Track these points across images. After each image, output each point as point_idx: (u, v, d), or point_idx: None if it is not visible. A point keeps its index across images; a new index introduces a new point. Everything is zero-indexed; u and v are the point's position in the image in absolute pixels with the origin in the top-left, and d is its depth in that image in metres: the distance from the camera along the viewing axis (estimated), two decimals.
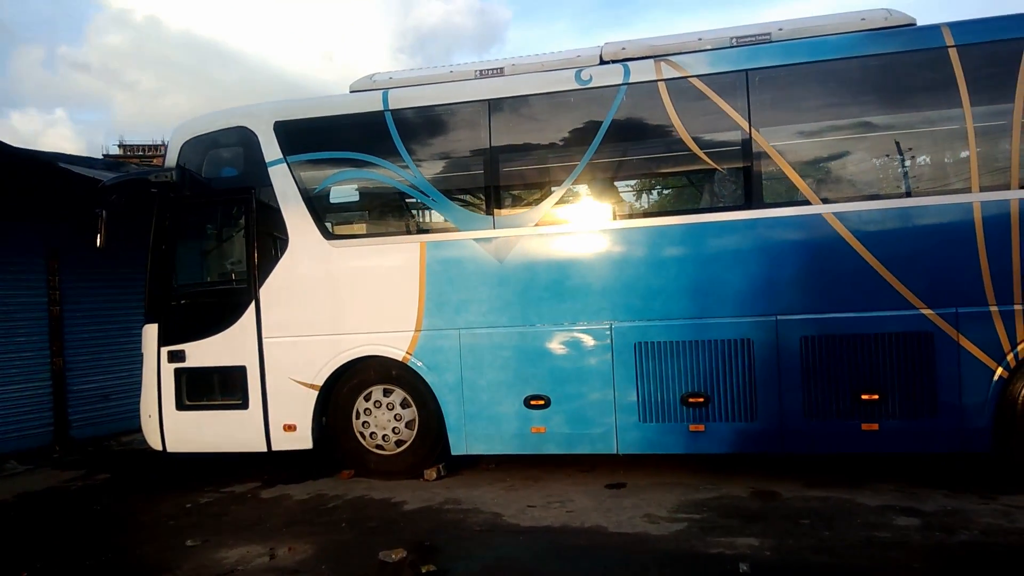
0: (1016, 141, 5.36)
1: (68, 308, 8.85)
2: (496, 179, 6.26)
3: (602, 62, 6.28)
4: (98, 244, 6.64)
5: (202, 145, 6.80)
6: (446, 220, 6.35)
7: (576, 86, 6.13)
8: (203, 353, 6.70)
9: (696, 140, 5.90)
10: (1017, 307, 5.38)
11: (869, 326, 5.59)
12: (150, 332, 6.84)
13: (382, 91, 6.52)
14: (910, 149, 5.73)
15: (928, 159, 5.74)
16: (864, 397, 5.62)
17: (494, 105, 6.25)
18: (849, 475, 5.95)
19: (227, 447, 6.80)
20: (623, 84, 6.03)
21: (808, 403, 5.72)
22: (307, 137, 6.65)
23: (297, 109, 6.76)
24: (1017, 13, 5.47)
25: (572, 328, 6.08)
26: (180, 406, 6.76)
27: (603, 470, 6.50)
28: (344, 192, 6.71)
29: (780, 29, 6.08)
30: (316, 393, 6.55)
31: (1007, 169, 5.39)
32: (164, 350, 6.76)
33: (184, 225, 6.92)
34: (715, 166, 5.97)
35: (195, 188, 6.77)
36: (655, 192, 6.19)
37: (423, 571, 4.37)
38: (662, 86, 5.95)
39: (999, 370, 5.41)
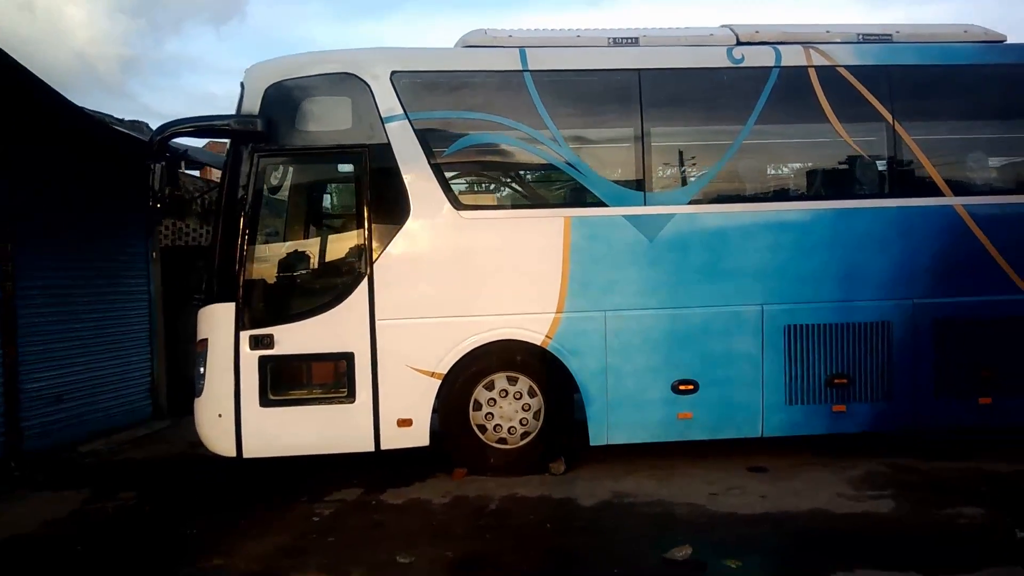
0: None
1: (22, 285, 6.98)
2: (647, 153, 5.96)
3: (739, 43, 6.24)
4: (155, 204, 5.37)
5: (293, 91, 5.72)
6: (593, 194, 5.92)
7: (729, 64, 6.04)
8: (299, 338, 5.65)
9: (844, 127, 6.07)
10: None
11: (989, 310, 6.11)
12: (222, 314, 5.62)
13: (519, 49, 5.94)
14: None
15: None
16: (984, 374, 6.13)
17: (645, 76, 5.95)
18: (938, 449, 6.30)
19: (323, 448, 5.79)
20: (776, 67, 6.04)
21: (938, 382, 6.12)
22: (431, 93, 5.89)
23: (416, 59, 5.94)
24: None
25: (723, 310, 5.96)
26: (265, 402, 5.64)
27: (719, 456, 6.38)
28: (477, 157, 5.97)
29: (898, 32, 6.45)
30: (438, 383, 5.79)
31: None
32: (245, 335, 5.59)
33: (271, 184, 5.80)
34: (862, 153, 6.20)
35: (286, 140, 5.69)
36: (805, 175, 6.26)
37: (730, 565, 4.06)
38: (812, 72, 6.05)
39: None
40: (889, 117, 6.05)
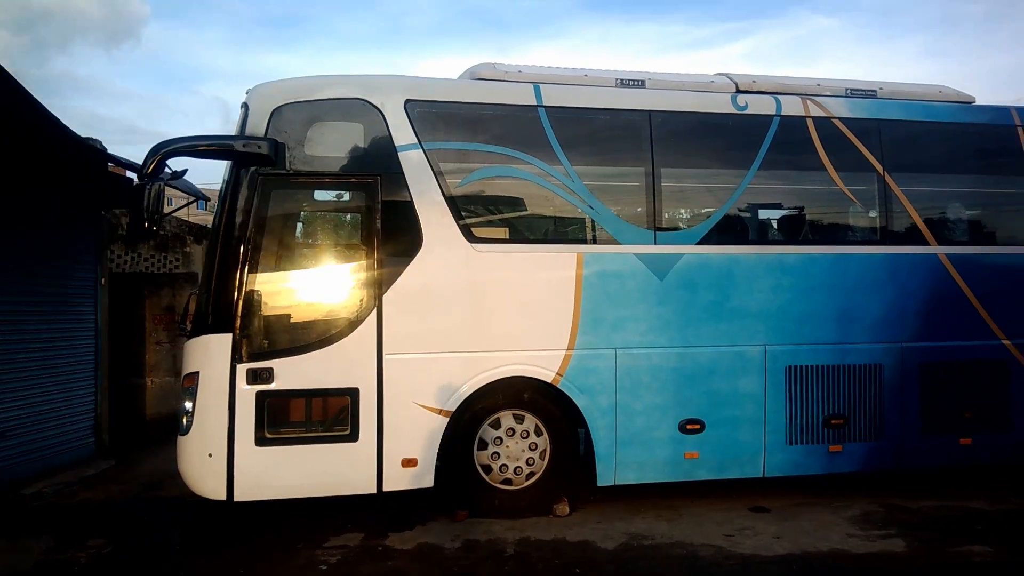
0: None
1: None
2: (658, 193, 6.00)
3: (739, 91, 6.42)
4: (151, 227, 4.99)
5: (302, 115, 5.48)
6: (604, 231, 5.89)
7: (734, 110, 6.20)
8: (300, 372, 5.31)
9: (839, 176, 6.31)
10: None
11: (968, 353, 6.41)
12: (216, 345, 5.24)
13: (533, 84, 5.91)
14: (1001, 205, 6.78)
15: (1014, 216, 6.80)
16: (965, 415, 6.40)
17: (656, 117, 6.03)
18: (911, 487, 6.50)
19: (321, 490, 5.42)
20: (776, 115, 6.24)
21: (924, 423, 6.33)
22: (446, 123, 5.76)
23: (430, 89, 5.81)
24: None
25: (729, 350, 6.01)
26: (261, 440, 5.25)
27: (715, 496, 6.34)
28: (491, 190, 5.85)
29: (880, 88, 6.81)
30: (446, 420, 5.55)
31: None
32: (242, 368, 5.22)
33: (276, 209, 5.47)
34: (855, 201, 6.45)
35: (292, 165, 5.42)
36: (804, 220, 6.44)
37: None
38: (810, 122, 6.29)
39: None
40: (879, 168, 6.34)
